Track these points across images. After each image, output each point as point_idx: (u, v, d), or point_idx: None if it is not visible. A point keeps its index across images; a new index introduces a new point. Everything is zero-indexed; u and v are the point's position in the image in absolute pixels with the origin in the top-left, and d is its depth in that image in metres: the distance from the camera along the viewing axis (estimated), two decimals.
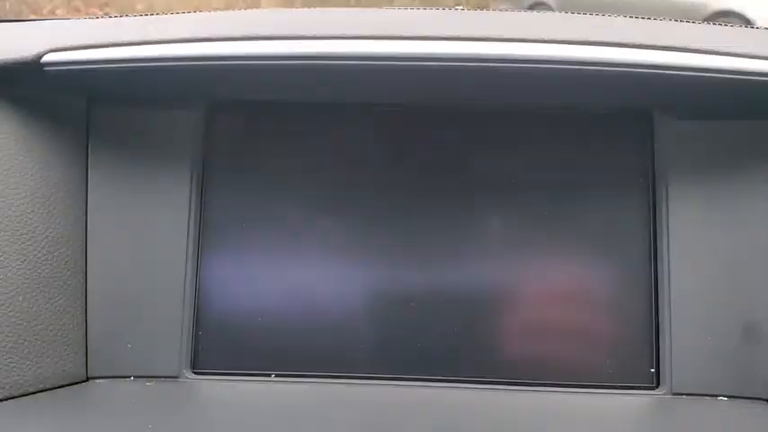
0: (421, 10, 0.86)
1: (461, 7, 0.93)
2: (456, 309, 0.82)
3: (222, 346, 0.82)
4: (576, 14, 0.83)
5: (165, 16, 0.87)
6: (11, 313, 0.73)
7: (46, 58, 0.73)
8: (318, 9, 0.86)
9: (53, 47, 0.73)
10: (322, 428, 0.70)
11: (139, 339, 0.81)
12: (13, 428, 0.68)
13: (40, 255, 0.76)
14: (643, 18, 0.82)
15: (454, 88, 0.80)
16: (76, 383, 0.79)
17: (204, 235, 0.84)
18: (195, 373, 0.82)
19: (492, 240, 0.84)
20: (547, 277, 0.83)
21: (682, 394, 0.79)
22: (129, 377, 0.81)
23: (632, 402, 0.79)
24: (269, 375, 0.82)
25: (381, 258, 0.83)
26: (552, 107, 0.85)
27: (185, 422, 0.72)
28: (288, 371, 0.81)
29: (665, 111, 0.83)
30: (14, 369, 0.73)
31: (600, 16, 0.82)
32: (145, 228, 0.83)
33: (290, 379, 0.81)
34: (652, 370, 0.81)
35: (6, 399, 0.73)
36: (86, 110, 0.83)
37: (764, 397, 0.77)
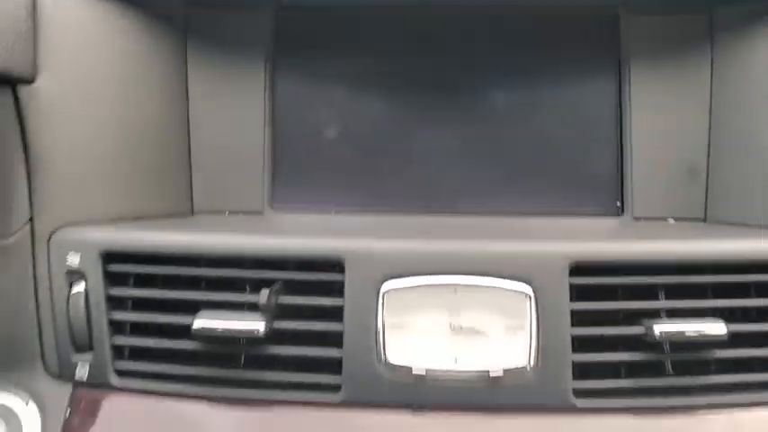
0: None
1: None
2: (471, 153, 1.08)
3: (294, 188, 1.08)
4: None
5: None
6: (136, 160, 0.98)
7: None
8: None
9: None
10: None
11: (232, 184, 1.07)
12: (132, 230, 0.91)
13: (156, 120, 1.02)
14: None
15: None
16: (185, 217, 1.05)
17: (275, 108, 1.09)
18: (273, 209, 1.08)
19: (493, 107, 1.09)
20: (541, 132, 1.08)
21: (640, 218, 1.06)
22: (225, 212, 1.07)
23: (603, 224, 1.05)
24: (329, 212, 1.08)
25: (418, 117, 1.09)
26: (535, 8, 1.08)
27: (265, 229, 0.97)
28: (345, 206, 1.07)
29: (629, 8, 1.08)
30: (136, 202, 0.99)
31: None
32: (232, 104, 1.08)
33: (345, 214, 1.07)
34: (618, 203, 1.07)
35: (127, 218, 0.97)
36: (185, 12, 1.07)
37: (701, 217, 1.04)
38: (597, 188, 1.07)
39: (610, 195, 1.07)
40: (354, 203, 1.07)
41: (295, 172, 1.09)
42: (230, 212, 1.06)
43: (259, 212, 1.07)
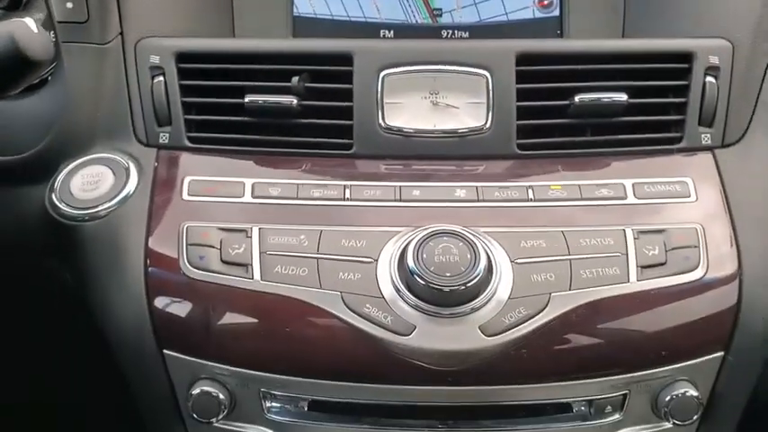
0: None
1: None
2: None
3: (311, 21, 1.40)
4: None
5: None
6: None
7: None
8: None
9: None
10: None
11: (263, 16, 1.38)
12: (197, 39, 1.24)
13: None
14: None
15: None
16: None
17: None
18: (294, 37, 1.40)
19: None
20: None
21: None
22: None
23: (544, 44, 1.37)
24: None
25: None
26: None
27: None
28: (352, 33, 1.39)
29: None
30: (196, 25, 1.28)
31: None
32: None
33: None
34: (558, 32, 1.39)
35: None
36: None
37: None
38: (542, 17, 1.39)
39: (552, 25, 1.39)
40: (358, 30, 1.39)
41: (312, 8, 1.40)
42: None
43: (284, 38, 1.39)
